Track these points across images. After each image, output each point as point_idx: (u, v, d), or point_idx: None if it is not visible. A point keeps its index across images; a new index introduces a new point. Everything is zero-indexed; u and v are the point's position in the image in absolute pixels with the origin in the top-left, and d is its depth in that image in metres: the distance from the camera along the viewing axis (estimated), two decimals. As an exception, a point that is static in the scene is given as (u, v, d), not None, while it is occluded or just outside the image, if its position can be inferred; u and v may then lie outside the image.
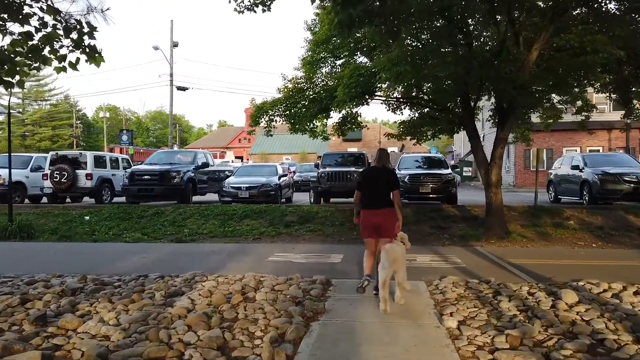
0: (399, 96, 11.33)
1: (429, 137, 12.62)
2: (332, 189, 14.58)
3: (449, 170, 14.74)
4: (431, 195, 14.01)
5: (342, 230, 11.38)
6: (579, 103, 12.56)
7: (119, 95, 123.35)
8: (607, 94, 12.67)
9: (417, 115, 12.13)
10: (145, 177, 14.28)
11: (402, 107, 12.14)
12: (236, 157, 62.55)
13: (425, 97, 11.05)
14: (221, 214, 12.88)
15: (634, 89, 10.87)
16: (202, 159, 16.37)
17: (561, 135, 27.64)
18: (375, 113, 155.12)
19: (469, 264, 7.56)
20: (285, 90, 11.57)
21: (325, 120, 12.69)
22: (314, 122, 12.14)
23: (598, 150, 27.26)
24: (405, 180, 14.22)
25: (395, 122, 13.15)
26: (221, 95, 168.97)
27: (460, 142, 48.54)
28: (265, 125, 11.93)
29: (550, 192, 16.78)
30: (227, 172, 17.75)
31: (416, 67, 8.08)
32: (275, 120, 12.06)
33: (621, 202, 13.34)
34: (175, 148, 45.55)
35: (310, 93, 11.78)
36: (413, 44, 8.67)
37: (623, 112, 23.75)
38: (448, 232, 11.18)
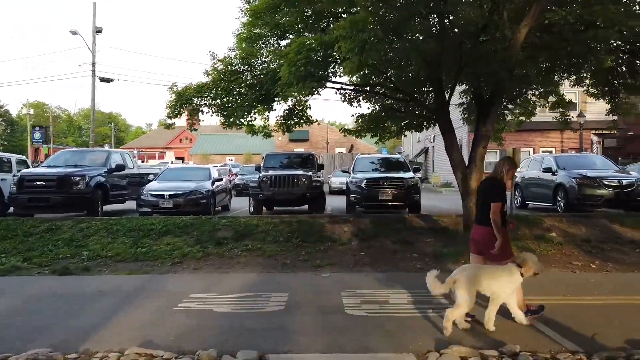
0: (358, 82, 9.16)
1: (394, 133, 10.59)
2: (275, 196, 12.24)
3: (412, 174, 12.82)
4: (392, 203, 12.00)
5: (288, 248, 9.10)
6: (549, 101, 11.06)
7: (45, 90, 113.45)
8: (585, 88, 11.14)
9: (378, 107, 10.01)
10: (39, 182, 11.28)
11: (361, 97, 10.03)
12: (177, 158, 58.72)
13: (391, 84, 8.95)
14: (135, 229, 10.21)
15: (628, 80, 9.31)
16: (118, 160, 13.49)
17: (514, 136, 26.68)
18: (323, 113, 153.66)
19: (462, 305, 5.48)
20: (215, 72, 9.10)
21: (267, 113, 10.31)
22: (253, 114, 9.76)
23: (551, 151, 26.56)
24: (362, 185, 12.15)
25: (340, 124, 10.76)
26: (161, 91, 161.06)
27: (410, 143, 47.59)
28: (188, 117, 9.39)
29: (516, 196, 15.28)
30: (152, 176, 14.97)
31: (387, 33, 5.97)
32: (202, 112, 9.56)
33: (602, 209, 11.91)
34: (107, 147, 41.51)
35: (248, 77, 9.39)
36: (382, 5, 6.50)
37: (576, 112, 22.92)
38: (416, 249, 9.16)
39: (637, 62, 9.24)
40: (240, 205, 16.38)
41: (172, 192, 11.99)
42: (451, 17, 7.86)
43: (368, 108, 10.34)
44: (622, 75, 9.71)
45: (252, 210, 12.85)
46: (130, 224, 10.48)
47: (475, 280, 4.49)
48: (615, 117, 10.70)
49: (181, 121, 11.71)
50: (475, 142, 8.34)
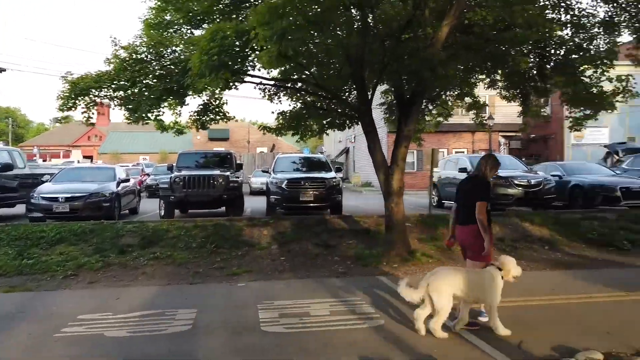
0: (279, 77, 8.60)
1: (316, 132, 10.17)
2: (189, 197, 11.34)
3: (334, 174, 12.51)
4: (314, 204, 11.61)
5: (201, 255, 8.36)
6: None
7: None
8: (499, 91, 11.49)
9: (300, 104, 9.53)
10: None
11: (282, 93, 9.51)
12: (85, 157, 54.37)
13: (313, 81, 8.50)
14: (22, 237, 8.90)
15: (538, 84, 9.64)
16: (5, 158, 11.84)
17: (430, 137, 27.57)
18: (244, 112, 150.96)
19: (387, 316, 5.14)
20: (117, 61, 8.10)
21: (179, 108, 9.43)
22: (162, 109, 8.85)
23: (463, 152, 27.79)
24: (283, 186, 11.63)
25: (262, 123, 10.09)
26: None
27: (331, 143, 47.92)
28: (85, 110, 8.29)
29: (433, 195, 15.58)
30: (49, 176, 13.35)
31: (309, 23, 5.50)
32: (102, 105, 8.50)
33: (513, 207, 12.38)
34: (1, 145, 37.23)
35: (156, 67, 8.48)
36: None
37: (487, 115, 24.08)
38: (338, 252, 8.84)
39: (547, 66, 9.60)
40: (152, 208, 15.20)
41: (68, 195, 10.64)
42: (376, 11, 7.57)
43: (289, 105, 9.85)
44: (533, 78, 10.06)
45: (163, 213, 11.83)
46: (17, 231, 9.13)
47: (451, 283, 4.27)
48: (527, 119, 11.11)
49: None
50: (397, 142, 8.15)
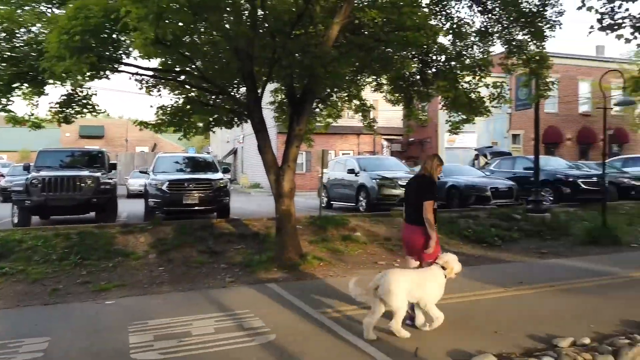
0: (159, 67, 7.73)
1: (201, 129, 9.38)
2: (49, 202, 9.83)
3: (221, 175, 11.81)
4: (199, 207, 10.81)
5: (63, 269, 7.22)
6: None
7: None
8: (384, 94, 11.76)
9: (183, 98, 8.69)
10: None
11: (162, 86, 8.62)
12: None
13: (198, 74, 7.78)
14: None
15: (421, 88, 9.98)
16: None
17: (317, 139, 27.95)
18: (122, 109, 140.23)
19: (278, 329, 4.71)
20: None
21: (36, 98, 8.06)
22: (12, 97, 7.48)
23: (349, 153, 28.56)
24: (164, 187, 10.66)
25: (137, 120, 9.05)
26: None
27: (218, 143, 46.44)
28: None
29: (322, 197, 15.60)
30: None
31: (191, 2, 4.87)
32: None
33: (398, 207, 12.77)
34: None
35: (5, 46, 7.13)
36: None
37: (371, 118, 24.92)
38: (225, 259, 8.26)
39: (428, 70, 9.98)
40: (6, 214, 13.08)
41: None
42: (266, 2, 7.13)
43: (171, 99, 8.96)
44: (416, 83, 10.41)
45: (16, 221, 10.13)
46: None
47: (402, 284, 4.25)
48: (410, 122, 11.49)
49: None
50: (289, 142, 7.80)
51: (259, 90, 7.96)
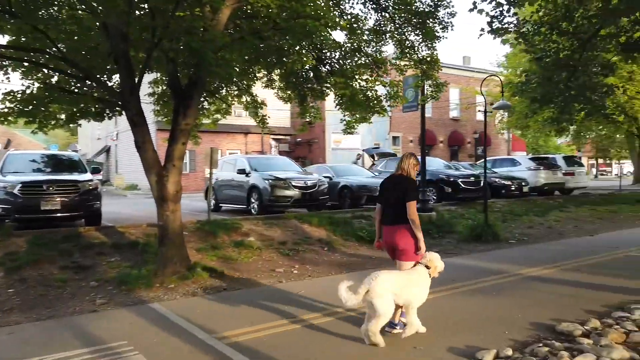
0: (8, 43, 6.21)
1: (63, 121, 7.80)
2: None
3: (89, 176, 10.22)
4: (62, 214, 9.19)
5: None
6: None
7: None
8: (276, 90, 11.20)
9: (40, 83, 7.13)
10: None
11: (10, 67, 7.02)
12: None
13: (59, 54, 6.43)
14: None
15: (315, 85, 9.59)
16: None
17: (202, 137, 26.58)
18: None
19: (164, 362, 3.87)
20: None
21: None
22: None
23: (237, 153, 27.54)
24: (15, 191, 8.87)
25: None
26: None
27: (87, 140, 41.99)
28: None
29: (210, 199, 14.54)
30: None
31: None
32: None
33: (291, 209, 12.28)
34: None
35: None
36: None
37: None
38: (95, 275, 7.04)
39: (322, 67, 9.63)
40: None
41: None
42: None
43: (23, 85, 7.36)
44: (310, 79, 10.01)
45: None
46: None
47: (391, 287, 4.11)
48: (304, 121, 11.05)
49: None
50: (173, 138, 6.82)
51: (137, 78, 6.85)
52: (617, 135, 29.51)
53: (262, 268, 7.90)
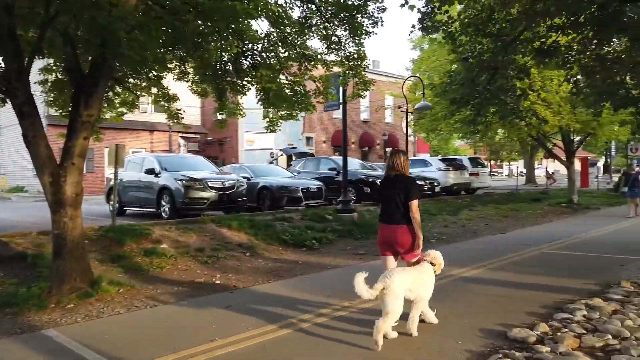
0: None
1: None
2: None
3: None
4: None
5: None
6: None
7: None
8: (190, 84, 10.31)
9: None
10: None
11: None
12: None
13: None
14: None
15: (234, 79, 8.91)
16: None
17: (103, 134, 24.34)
18: None
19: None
20: None
21: None
22: None
23: (141, 151, 25.62)
24: None
25: None
26: None
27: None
28: None
29: (111, 201, 13.13)
30: None
31: None
32: None
33: (208, 212, 11.39)
34: None
35: None
36: None
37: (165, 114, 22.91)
38: (-30, 297, 5.76)
39: (243, 60, 8.99)
40: None
41: None
42: None
43: None
44: (229, 72, 9.32)
45: None
46: None
47: (404, 285, 4.16)
48: (223, 118, 10.28)
49: None
50: (73, 131, 5.77)
51: (26, 60, 5.72)
52: (511, 139, 31.92)
53: (180, 279, 7.09)
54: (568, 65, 8.95)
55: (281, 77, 8.13)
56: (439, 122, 16.86)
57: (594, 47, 8.34)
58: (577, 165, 30.74)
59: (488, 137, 33.38)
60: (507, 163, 54.25)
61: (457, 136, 24.97)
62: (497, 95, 9.54)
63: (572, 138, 17.45)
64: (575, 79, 9.06)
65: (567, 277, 6.47)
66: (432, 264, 4.51)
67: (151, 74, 8.96)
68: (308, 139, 32.92)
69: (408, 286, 4.19)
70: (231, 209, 11.70)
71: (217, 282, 6.96)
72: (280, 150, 22.87)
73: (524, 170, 32.84)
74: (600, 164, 38.99)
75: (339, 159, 16.10)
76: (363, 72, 8.70)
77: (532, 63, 8.57)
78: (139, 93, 9.04)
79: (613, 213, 15.58)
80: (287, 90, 7.95)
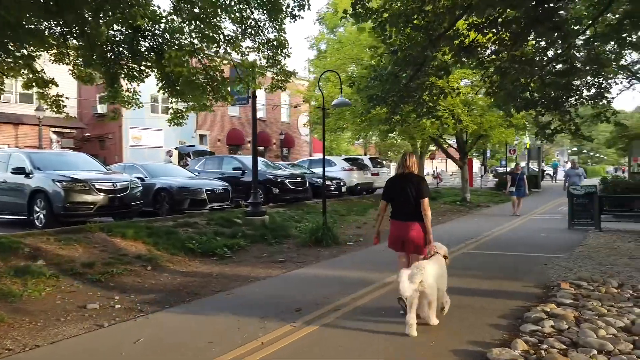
0: None
1: None
2: None
3: None
4: None
5: None
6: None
7: None
8: (72, 68, 8.63)
9: None
10: None
11: None
12: None
13: None
14: None
15: (129, 63, 7.56)
16: None
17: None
18: None
19: None
20: None
21: None
22: None
23: (4, 147, 21.91)
24: None
25: None
26: None
27: None
28: None
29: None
30: None
31: None
32: None
33: (95, 218, 9.67)
34: None
35: None
36: None
37: (34, 105, 19.85)
38: None
39: (142, 41, 7.68)
40: None
41: None
42: None
43: None
44: (123, 55, 7.93)
45: None
46: None
47: (435, 275, 4.45)
48: (117, 107, 8.75)
49: None
50: None
51: None
52: (407, 140, 33.16)
53: (65, 305, 5.67)
54: (485, 65, 9.03)
55: (193, 60, 6.98)
56: (345, 121, 16.60)
57: (509, 47, 8.47)
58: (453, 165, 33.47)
59: (380, 138, 34.40)
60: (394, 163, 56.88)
61: (349, 136, 24.97)
62: (413, 93, 9.34)
63: (465, 139, 18.36)
64: (491, 79, 9.18)
65: (503, 280, 6.33)
66: (445, 257, 4.83)
67: (23, 50, 7.27)
68: (202, 136, 31.05)
69: (436, 276, 4.45)
70: (123, 215, 10.10)
71: (117, 306, 5.67)
72: (176, 149, 20.99)
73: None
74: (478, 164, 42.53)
75: (244, 158, 15.06)
76: (283, 62, 7.87)
77: (453, 61, 8.45)
78: (5, 74, 7.23)
79: (502, 211, 16.62)
80: (200, 77, 6.81)
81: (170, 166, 14.09)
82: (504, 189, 17.35)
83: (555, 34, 7.33)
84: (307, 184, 14.53)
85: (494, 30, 8.38)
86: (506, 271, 6.85)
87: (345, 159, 19.35)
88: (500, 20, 8.21)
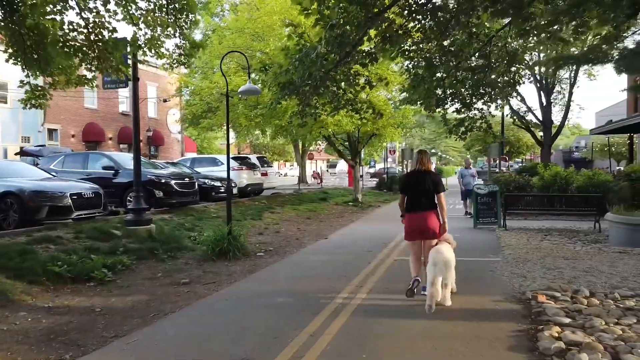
0: None
1: None
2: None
3: None
4: None
5: None
6: None
7: None
8: None
9: None
10: None
11: None
12: None
13: None
14: None
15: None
16: None
17: None
18: None
19: None
20: None
21: None
22: None
23: None
24: None
25: None
26: None
27: None
28: None
29: None
30: None
31: None
32: None
33: None
34: None
35: None
36: None
37: None
38: None
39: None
40: None
41: None
42: None
43: None
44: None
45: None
46: None
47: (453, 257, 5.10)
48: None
49: None
50: None
51: None
52: (281, 142, 32.24)
53: None
54: (409, 55, 8.37)
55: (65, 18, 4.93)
56: (237, 115, 14.94)
57: (437, 37, 7.92)
58: (344, 165, 33.27)
59: (254, 136, 32.84)
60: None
61: (223, 135, 23.28)
62: (332, 83, 8.31)
63: (356, 139, 17.98)
64: (414, 71, 8.54)
65: (467, 293, 5.52)
66: (449, 242, 5.30)
67: None
68: (51, 131, 26.43)
69: (453, 258, 5.01)
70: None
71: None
72: (26, 150, 16.82)
73: (287, 171, 33.60)
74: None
75: (117, 155, 12.61)
76: (189, 30, 6.16)
77: (379, 48, 7.59)
78: None
79: (396, 210, 16.51)
80: (74, 34, 4.82)
81: (20, 165, 10.97)
82: (384, 189, 17.33)
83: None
84: (196, 186, 12.63)
85: (420, 17, 7.77)
86: (465, 282, 6.03)
87: (233, 158, 17.63)
88: (429, 5, 7.59)
